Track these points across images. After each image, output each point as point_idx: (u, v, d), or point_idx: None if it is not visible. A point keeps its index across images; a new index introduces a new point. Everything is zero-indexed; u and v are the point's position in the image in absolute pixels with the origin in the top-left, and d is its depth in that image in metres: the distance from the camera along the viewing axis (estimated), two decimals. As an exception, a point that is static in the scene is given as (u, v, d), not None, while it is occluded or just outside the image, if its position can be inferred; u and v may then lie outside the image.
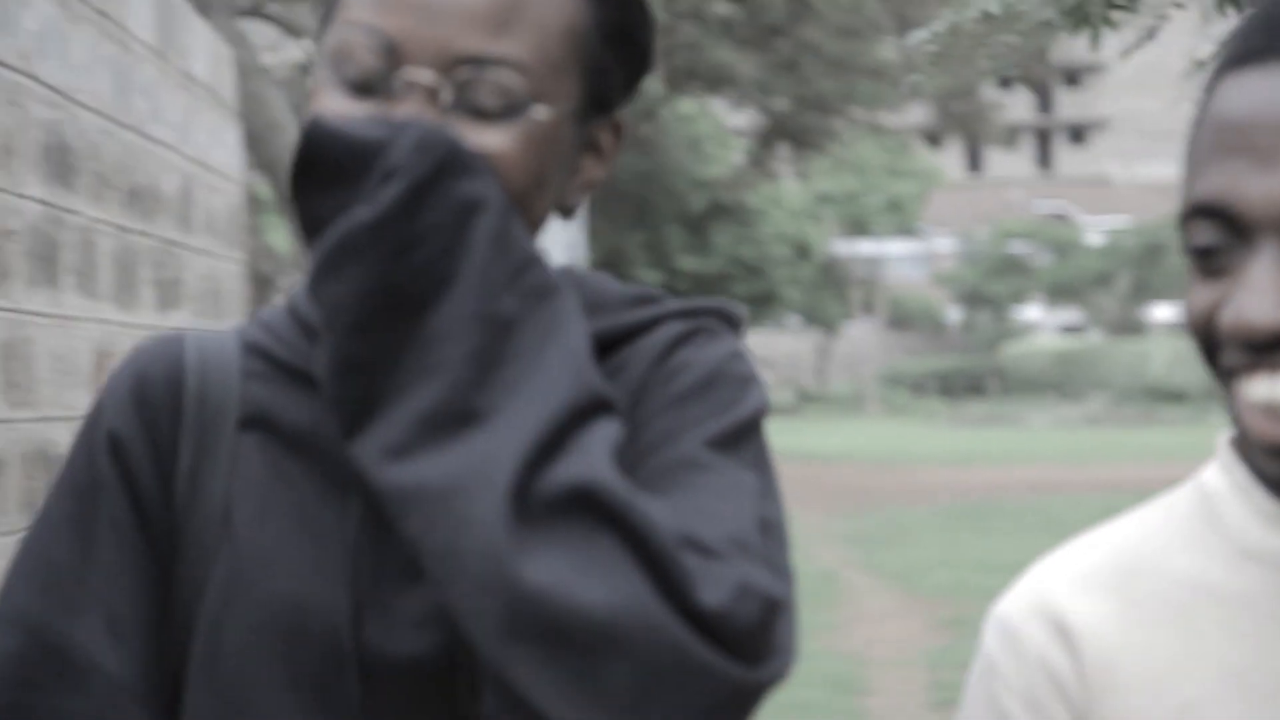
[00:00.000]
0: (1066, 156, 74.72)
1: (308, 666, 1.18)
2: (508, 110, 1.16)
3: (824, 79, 22.56)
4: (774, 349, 46.83)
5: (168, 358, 1.25)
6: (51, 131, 4.29)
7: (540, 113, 1.16)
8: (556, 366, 1.10)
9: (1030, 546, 13.38)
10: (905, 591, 11.28)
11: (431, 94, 1.15)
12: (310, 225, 1.14)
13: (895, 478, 20.84)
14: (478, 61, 1.15)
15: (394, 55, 1.15)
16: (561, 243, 5.07)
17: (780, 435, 29.44)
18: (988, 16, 4.02)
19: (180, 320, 5.50)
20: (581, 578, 1.03)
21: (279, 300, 1.09)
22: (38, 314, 4.12)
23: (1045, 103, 74.12)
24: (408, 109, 1.14)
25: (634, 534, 1.05)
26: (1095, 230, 53.73)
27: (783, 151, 26.87)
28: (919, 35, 4.29)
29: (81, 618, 1.19)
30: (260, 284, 9.25)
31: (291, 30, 12.94)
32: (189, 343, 1.26)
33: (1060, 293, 48.86)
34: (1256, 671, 1.10)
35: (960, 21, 4.01)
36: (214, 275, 6.05)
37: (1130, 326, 47.61)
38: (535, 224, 1.21)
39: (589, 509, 1.05)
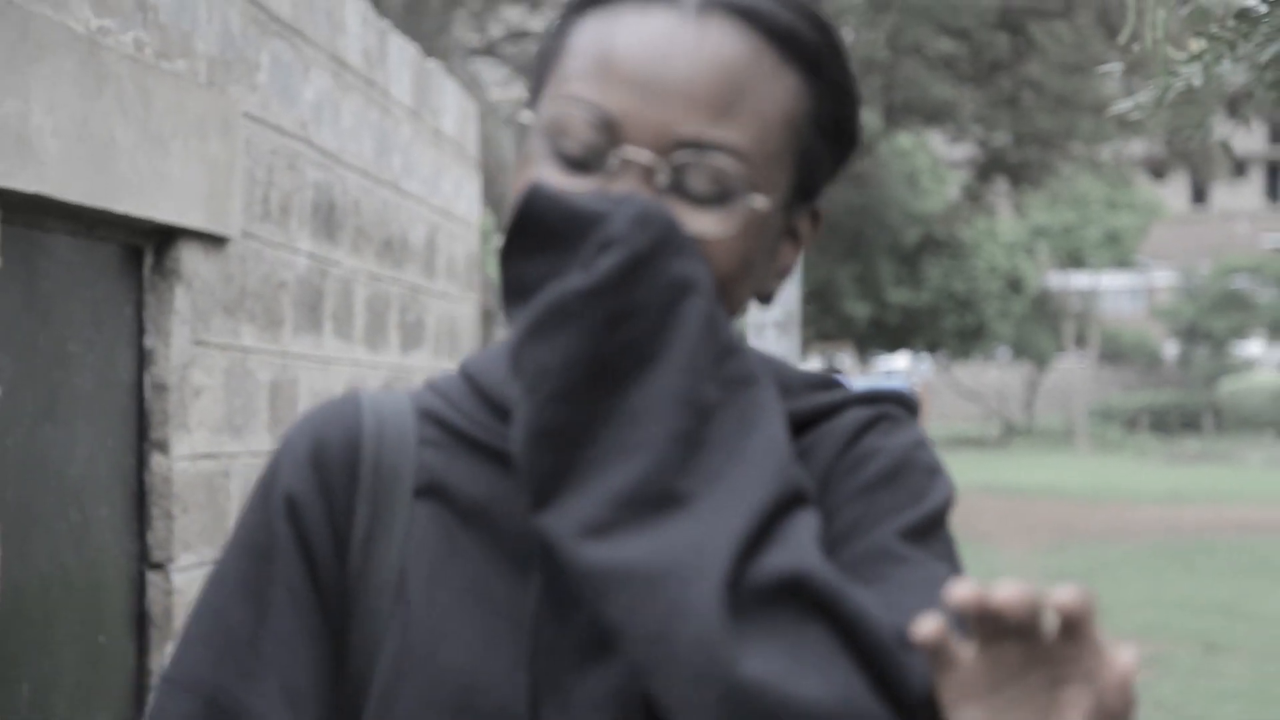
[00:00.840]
0: (1296, 190, 72.39)
1: None
2: (722, 196, 1.14)
3: (1045, 115, 22.33)
4: (982, 381, 46.31)
5: (345, 421, 1.23)
6: (322, 191, 4.74)
7: (758, 202, 1.14)
8: (760, 456, 1.08)
9: (1239, 588, 13.10)
10: (1107, 629, 10.92)
11: (648, 174, 1.12)
12: (516, 290, 1.12)
13: (1103, 514, 20.42)
14: (697, 146, 1.12)
15: (613, 133, 1.13)
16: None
17: (986, 469, 29.18)
18: (1190, 89, 4.20)
19: (421, 359, 5.95)
20: (799, 670, 1.00)
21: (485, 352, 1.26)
22: (302, 356, 4.58)
23: (1278, 133, 71.93)
24: (624, 187, 1.12)
25: (848, 626, 1.02)
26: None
27: (999, 186, 26.64)
28: (1123, 105, 4.48)
29: (257, 685, 1.16)
30: (485, 319, 9.63)
31: (521, 69, 13.35)
32: (365, 406, 1.24)
33: (1284, 330, 47.47)
34: None
35: (1163, 95, 4.19)
36: (452, 316, 6.49)
37: (1357, 367, 46.03)
38: (736, 311, 1.19)
39: (802, 599, 1.03)
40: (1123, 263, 39.58)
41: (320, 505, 1.19)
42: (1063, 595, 0.92)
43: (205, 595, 1.20)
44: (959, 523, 18.34)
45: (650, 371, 1.08)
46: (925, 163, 27.18)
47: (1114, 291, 51.87)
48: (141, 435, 3.69)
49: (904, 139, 26.07)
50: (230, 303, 4.03)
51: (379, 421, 1.22)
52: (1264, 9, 3.74)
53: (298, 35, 4.49)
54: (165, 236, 3.76)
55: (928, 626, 0.94)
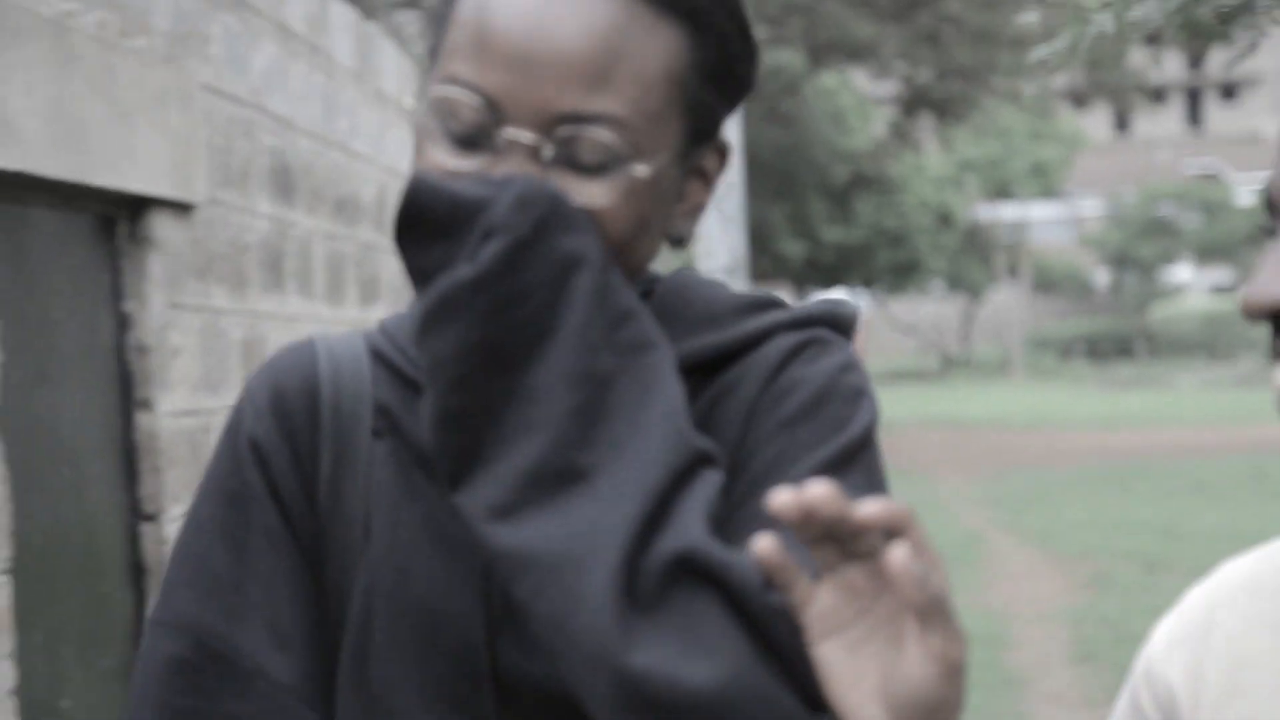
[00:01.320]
0: (1218, 114, 73.28)
1: (444, 678, 1.18)
2: (608, 165, 1.14)
3: (965, 50, 22.53)
4: (918, 315, 46.74)
5: (302, 367, 1.25)
6: (277, 156, 4.91)
7: (640, 170, 1.15)
8: (656, 425, 1.10)
9: (1174, 508, 13.40)
10: (1048, 551, 11.35)
11: (533, 151, 1.13)
12: (416, 276, 1.14)
13: (1040, 441, 20.68)
14: (577, 119, 1.12)
15: (495, 113, 1.13)
16: (721, 216, 5.26)
17: (926, 401, 29.51)
18: (1102, 36, 4.41)
19: (379, 312, 6.13)
20: (688, 655, 1.02)
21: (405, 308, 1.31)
22: (269, 315, 4.77)
23: (1196, 60, 72.61)
24: (509, 166, 1.13)
25: (736, 596, 1.04)
26: (1247, 188, 52.70)
27: (925, 121, 26.88)
28: (1040, 52, 4.70)
29: (243, 624, 1.19)
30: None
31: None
32: (320, 351, 1.26)
33: (1210, 253, 48.13)
34: None
35: (1078, 39, 4.40)
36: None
37: (1283, 285, 46.51)
38: (640, 266, 1.21)
39: (694, 577, 1.05)
40: (1050, 193, 40.01)
41: (285, 450, 1.22)
42: (869, 507, 0.94)
43: (184, 541, 1.23)
44: (900, 456, 18.67)
45: (545, 349, 1.10)
46: (850, 101, 27.38)
47: (1043, 222, 52.35)
48: (126, 395, 3.88)
49: (828, 78, 26.25)
50: (200, 267, 4.21)
51: (334, 365, 1.24)
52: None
53: (245, 6, 4.65)
54: (137, 206, 3.93)
55: (763, 544, 0.96)
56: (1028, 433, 22.20)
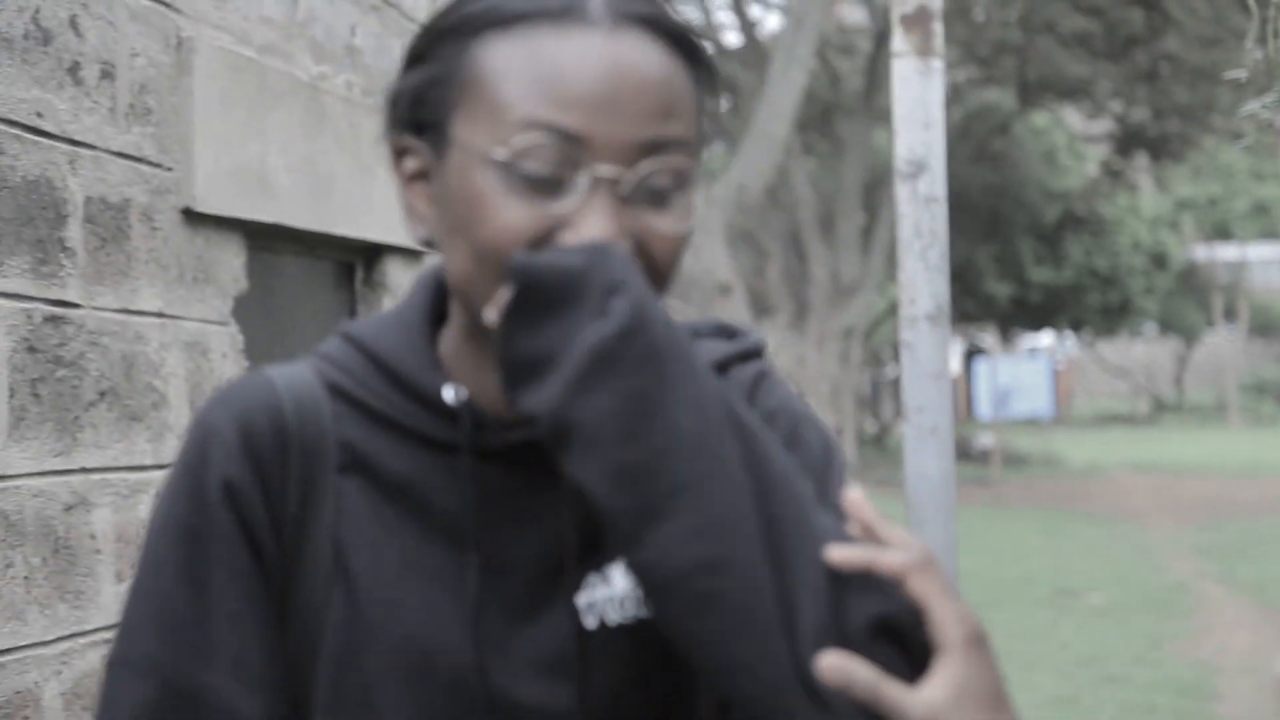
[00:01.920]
0: None
1: (438, 707, 1.20)
2: (674, 190, 1.18)
3: (1183, 89, 22.13)
4: (1129, 358, 45.86)
5: (266, 403, 1.23)
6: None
7: (693, 191, 1.21)
8: (797, 469, 1.17)
9: (1392, 560, 12.93)
10: (1259, 602, 11.18)
11: (614, 185, 1.15)
12: (519, 368, 1.13)
13: (1255, 490, 20.12)
14: (655, 147, 1.17)
15: (579, 151, 1.15)
16: (926, 265, 5.25)
17: (1136, 446, 28.93)
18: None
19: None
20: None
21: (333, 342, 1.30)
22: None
23: None
24: (594, 203, 1.15)
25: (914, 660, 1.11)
26: None
27: (1140, 161, 26.46)
28: (1252, 106, 4.72)
29: (209, 664, 1.18)
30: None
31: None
32: (279, 385, 1.25)
33: None
34: None
35: (1286, 97, 4.44)
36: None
37: None
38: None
39: (886, 638, 1.10)
40: (1271, 233, 38.99)
41: (258, 490, 1.21)
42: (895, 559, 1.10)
43: (141, 581, 1.22)
44: (1108, 502, 18.41)
45: (690, 395, 1.11)
46: (1062, 140, 27.08)
47: (1263, 263, 51.02)
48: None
49: (1039, 117, 26.00)
50: (429, 310, 4.48)
51: (296, 401, 1.24)
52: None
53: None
54: (373, 253, 4.20)
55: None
56: (1242, 480, 21.67)
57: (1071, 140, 27.51)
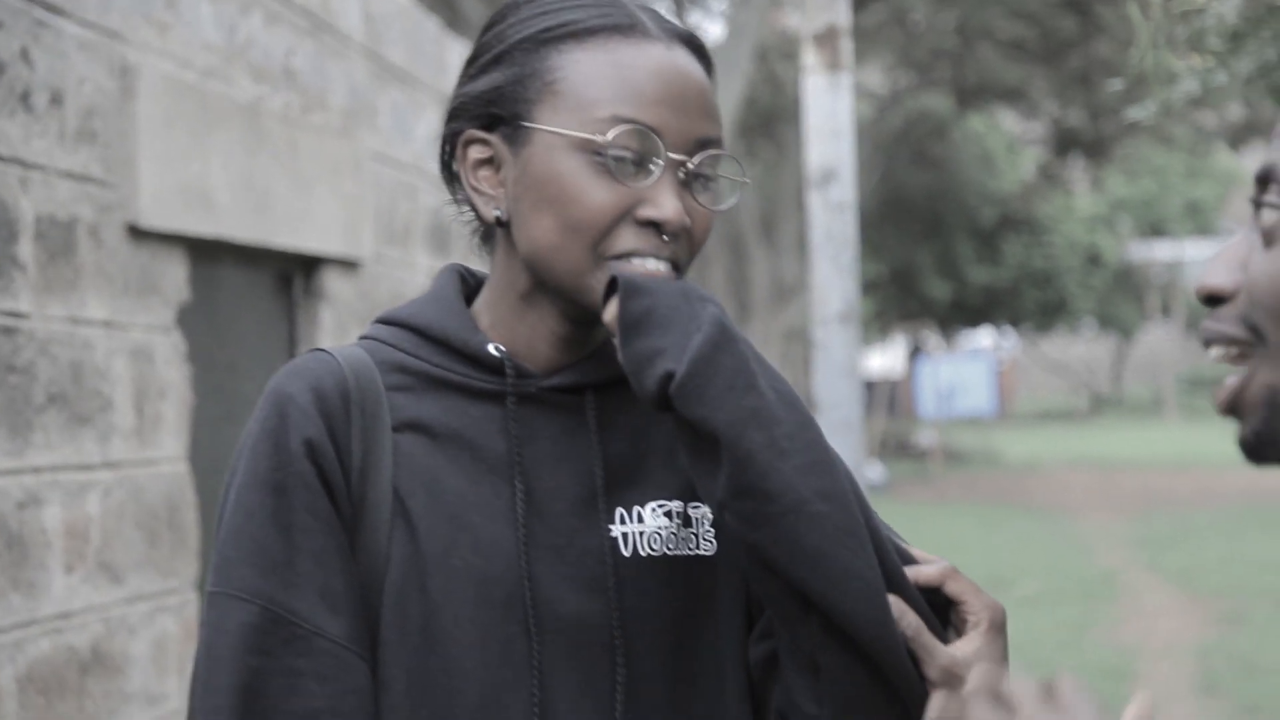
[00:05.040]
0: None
1: (495, 626, 1.39)
2: (712, 176, 1.44)
3: (1117, 92, 22.38)
4: (1069, 355, 46.27)
5: (334, 373, 1.41)
6: (435, 214, 5.37)
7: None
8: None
9: (1319, 548, 13.07)
10: (1185, 590, 11.35)
11: (677, 168, 1.40)
12: (639, 364, 1.35)
13: (1189, 482, 20.23)
14: (708, 143, 1.42)
15: (656, 141, 1.39)
16: (836, 267, 5.33)
17: (1074, 441, 29.17)
18: (1192, 100, 4.70)
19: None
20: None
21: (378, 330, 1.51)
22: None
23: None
24: (661, 184, 1.39)
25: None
26: None
27: (1075, 162, 26.73)
28: (1136, 113, 4.99)
29: (299, 593, 1.36)
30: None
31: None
32: (340, 359, 1.43)
33: (1374, 292, 46.72)
34: None
35: (1171, 102, 4.70)
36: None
37: None
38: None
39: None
40: (1205, 231, 39.44)
41: (330, 445, 1.39)
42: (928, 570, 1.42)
43: (235, 525, 1.39)
44: (1044, 495, 18.68)
45: (763, 364, 1.37)
46: (999, 143, 27.35)
47: (1198, 260, 51.48)
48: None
49: (976, 120, 26.25)
50: (365, 316, 4.67)
51: (354, 372, 1.42)
52: (1249, 28, 4.26)
53: (411, 80, 5.12)
54: (310, 264, 4.40)
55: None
56: (1177, 473, 21.88)
57: (1009, 143, 27.78)
